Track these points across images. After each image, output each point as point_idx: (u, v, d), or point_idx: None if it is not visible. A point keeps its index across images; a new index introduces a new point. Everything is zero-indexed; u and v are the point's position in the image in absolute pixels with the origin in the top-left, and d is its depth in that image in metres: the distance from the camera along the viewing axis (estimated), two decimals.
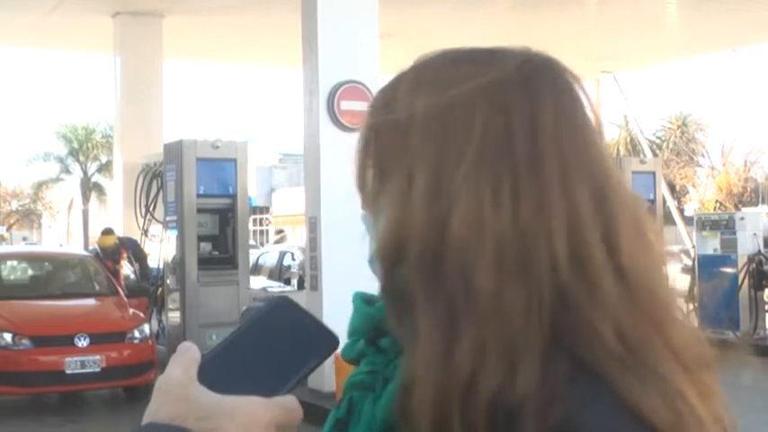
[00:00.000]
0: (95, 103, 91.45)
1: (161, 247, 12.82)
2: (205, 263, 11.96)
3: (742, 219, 14.77)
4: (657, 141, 37.79)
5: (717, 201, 34.75)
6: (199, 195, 11.94)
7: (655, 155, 24.58)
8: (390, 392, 0.85)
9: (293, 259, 15.74)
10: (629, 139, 34.38)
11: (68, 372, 9.87)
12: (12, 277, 12.46)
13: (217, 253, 12.16)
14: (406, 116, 0.86)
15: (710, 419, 0.80)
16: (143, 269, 13.51)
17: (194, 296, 11.77)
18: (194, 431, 0.73)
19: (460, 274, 0.79)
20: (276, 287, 14.45)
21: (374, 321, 0.91)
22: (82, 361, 9.93)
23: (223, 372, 0.78)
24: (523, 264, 0.79)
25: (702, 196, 36.39)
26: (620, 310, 0.80)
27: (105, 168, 39.54)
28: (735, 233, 14.34)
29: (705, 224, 15.05)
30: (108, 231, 13.79)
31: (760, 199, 36.10)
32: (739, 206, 32.37)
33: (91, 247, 19.30)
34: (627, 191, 0.86)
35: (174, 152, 12.13)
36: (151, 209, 13.29)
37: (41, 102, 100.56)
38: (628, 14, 15.65)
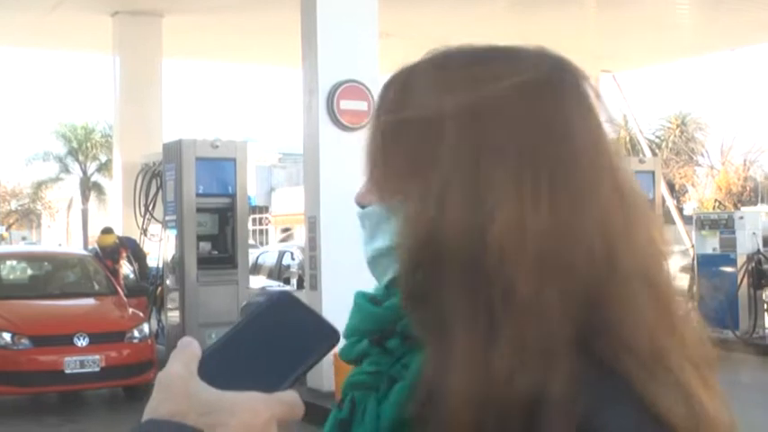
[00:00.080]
0: (95, 102, 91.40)
1: (160, 247, 12.81)
2: (204, 262, 11.95)
3: (741, 218, 14.77)
4: (657, 141, 37.77)
5: (716, 200, 34.74)
6: (198, 195, 11.92)
7: (654, 154, 24.57)
8: (399, 392, 0.85)
9: (293, 258, 15.73)
10: (628, 139, 34.38)
11: (68, 371, 9.87)
12: (11, 277, 12.46)
13: (216, 252, 12.15)
14: (436, 114, 0.85)
15: (719, 418, 0.81)
16: (142, 269, 13.51)
17: (193, 295, 11.76)
18: (195, 427, 0.73)
19: (500, 275, 0.79)
20: (275, 287, 14.44)
21: (381, 322, 0.90)
22: (81, 360, 9.93)
23: (224, 367, 0.78)
24: (562, 264, 0.80)
25: (701, 195, 36.38)
26: (644, 310, 0.81)
27: (105, 168, 39.52)
28: (734, 232, 14.34)
29: (704, 223, 15.06)
30: (107, 230, 13.78)
31: (759, 198, 36.08)
32: (738, 205, 32.36)
33: (90, 247, 19.31)
34: (639, 191, 0.88)
35: (173, 151, 12.13)
36: (150, 208, 13.28)
37: (41, 101, 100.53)
38: (627, 14, 15.65)
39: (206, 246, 12.12)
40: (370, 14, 10.06)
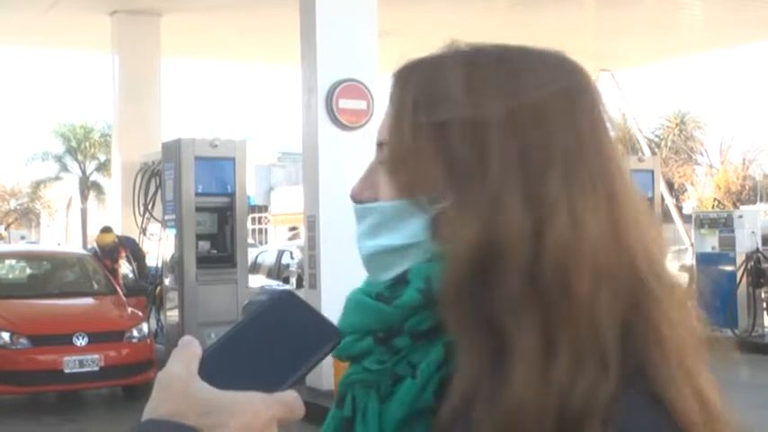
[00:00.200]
0: (93, 101, 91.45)
1: (159, 246, 12.80)
2: (204, 261, 11.94)
3: (740, 217, 14.78)
4: (656, 139, 37.79)
5: (715, 199, 34.75)
6: (197, 194, 11.91)
7: (653, 153, 24.59)
8: (407, 391, 0.85)
9: (292, 258, 15.72)
10: (627, 138, 34.37)
11: (67, 371, 9.86)
12: (10, 276, 12.45)
13: (215, 252, 12.14)
14: (479, 117, 0.85)
15: (731, 420, 0.83)
16: (141, 268, 13.49)
17: (193, 295, 11.75)
18: (194, 427, 0.72)
19: (558, 276, 0.80)
20: (275, 286, 14.44)
21: (389, 321, 0.89)
22: (80, 360, 9.92)
23: (224, 366, 0.77)
24: (612, 264, 0.82)
25: (701, 194, 36.38)
26: (670, 312, 0.83)
27: (104, 167, 39.48)
28: (733, 231, 14.35)
29: (703, 222, 15.06)
30: (107, 230, 13.77)
31: (758, 197, 36.09)
32: (738, 204, 32.39)
33: (89, 246, 19.29)
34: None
35: (172, 151, 12.12)
36: (150, 207, 13.27)
37: (39, 100, 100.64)
38: (626, 13, 15.65)
39: (205, 245, 12.11)
40: (369, 13, 10.05)
